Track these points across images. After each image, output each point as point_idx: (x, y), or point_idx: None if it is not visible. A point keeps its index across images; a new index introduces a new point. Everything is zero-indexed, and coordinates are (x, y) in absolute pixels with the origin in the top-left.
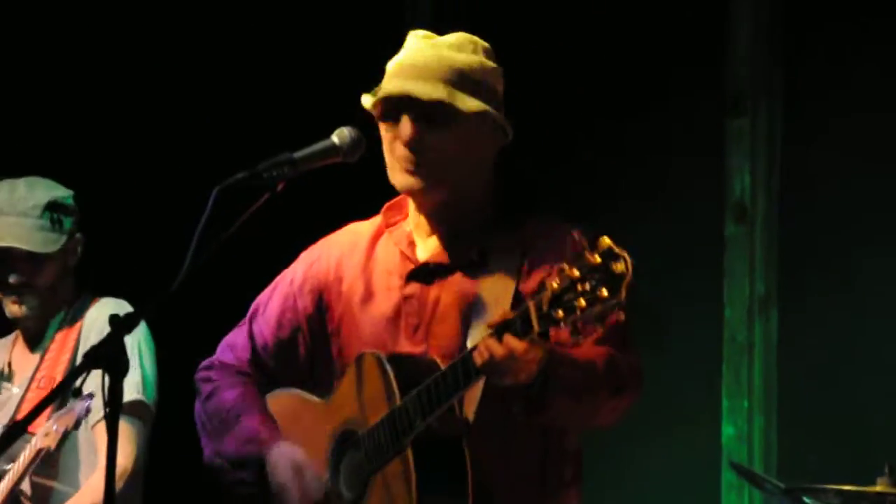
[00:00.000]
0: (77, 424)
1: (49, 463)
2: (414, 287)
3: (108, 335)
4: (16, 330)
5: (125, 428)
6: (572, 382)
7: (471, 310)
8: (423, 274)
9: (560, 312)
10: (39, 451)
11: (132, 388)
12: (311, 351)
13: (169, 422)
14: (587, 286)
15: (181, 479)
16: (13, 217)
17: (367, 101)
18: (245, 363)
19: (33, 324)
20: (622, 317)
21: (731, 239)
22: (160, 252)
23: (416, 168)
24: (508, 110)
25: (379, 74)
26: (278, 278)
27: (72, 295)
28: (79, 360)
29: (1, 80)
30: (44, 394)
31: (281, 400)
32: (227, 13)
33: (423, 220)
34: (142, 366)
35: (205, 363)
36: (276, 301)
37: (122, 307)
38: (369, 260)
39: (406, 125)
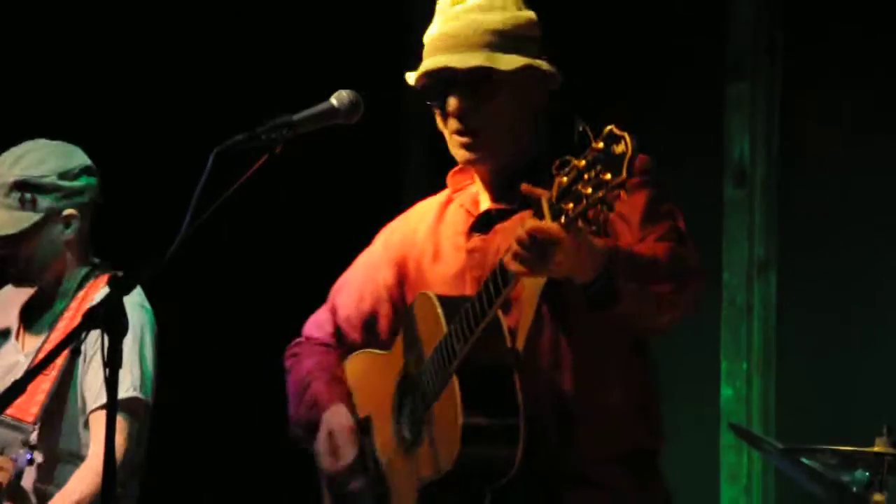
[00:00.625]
0: (16, 476)
1: (44, 473)
2: (476, 240)
3: (107, 296)
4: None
5: (118, 420)
6: (637, 272)
7: None
8: (482, 224)
9: (570, 204)
10: None
11: (129, 384)
12: (393, 322)
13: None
14: (592, 173)
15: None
16: None
17: (410, 78)
18: (329, 336)
19: (30, 286)
20: (672, 222)
21: (730, 202)
22: (158, 217)
23: (472, 141)
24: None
25: (379, 36)
26: (359, 256)
27: (77, 267)
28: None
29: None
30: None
31: (355, 361)
32: None
33: (489, 174)
34: (142, 358)
35: (293, 342)
36: (357, 275)
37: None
38: (439, 223)
39: (452, 100)
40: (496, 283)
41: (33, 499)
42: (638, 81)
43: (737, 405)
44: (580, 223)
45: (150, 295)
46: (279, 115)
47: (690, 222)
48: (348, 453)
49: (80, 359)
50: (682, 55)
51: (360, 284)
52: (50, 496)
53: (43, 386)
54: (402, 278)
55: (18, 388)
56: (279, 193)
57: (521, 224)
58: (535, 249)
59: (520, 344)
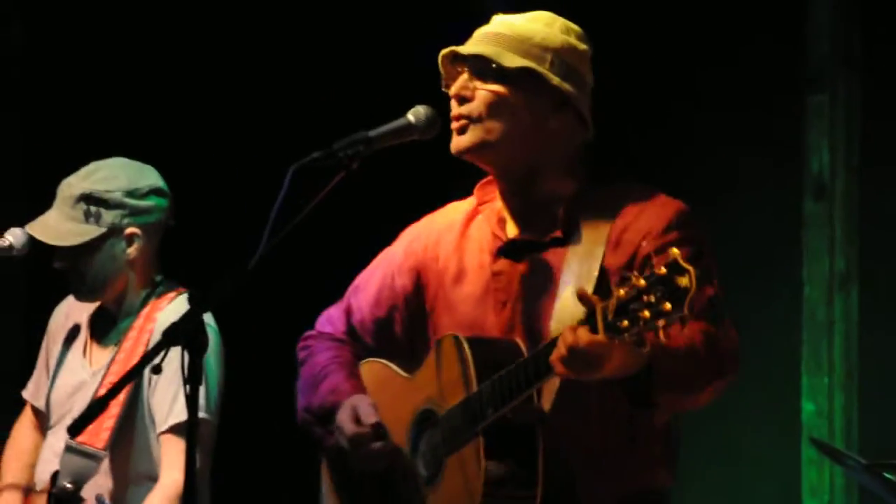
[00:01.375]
0: None
1: (116, 498)
2: (503, 264)
3: (187, 312)
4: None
5: (183, 446)
6: (677, 375)
7: (557, 287)
8: (512, 250)
9: (625, 322)
10: None
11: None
12: (408, 329)
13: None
14: (652, 297)
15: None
16: (57, 204)
17: (443, 81)
18: (342, 333)
19: (92, 301)
20: (712, 290)
21: (810, 216)
22: (236, 236)
23: (463, 126)
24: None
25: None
26: (379, 256)
27: (142, 287)
28: None
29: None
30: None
31: (372, 368)
32: None
33: (507, 196)
34: (208, 378)
35: (304, 335)
36: (375, 278)
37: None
38: (463, 238)
39: (456, 82)
40: (538, 370)
41: None
42: (715, 94)
43: (818, 420)
44: (629, 341)
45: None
46: (355, 131)
47: (770, 236)
48: (371, 417)
49: (146, 380)
50: (760, 67)
51: (377, 289)
52: None
53: (112, 410)
54: (422, 287)
55: (101, 405)
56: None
57: (574, 332)
58: (585, 360)
59: (546, 404)
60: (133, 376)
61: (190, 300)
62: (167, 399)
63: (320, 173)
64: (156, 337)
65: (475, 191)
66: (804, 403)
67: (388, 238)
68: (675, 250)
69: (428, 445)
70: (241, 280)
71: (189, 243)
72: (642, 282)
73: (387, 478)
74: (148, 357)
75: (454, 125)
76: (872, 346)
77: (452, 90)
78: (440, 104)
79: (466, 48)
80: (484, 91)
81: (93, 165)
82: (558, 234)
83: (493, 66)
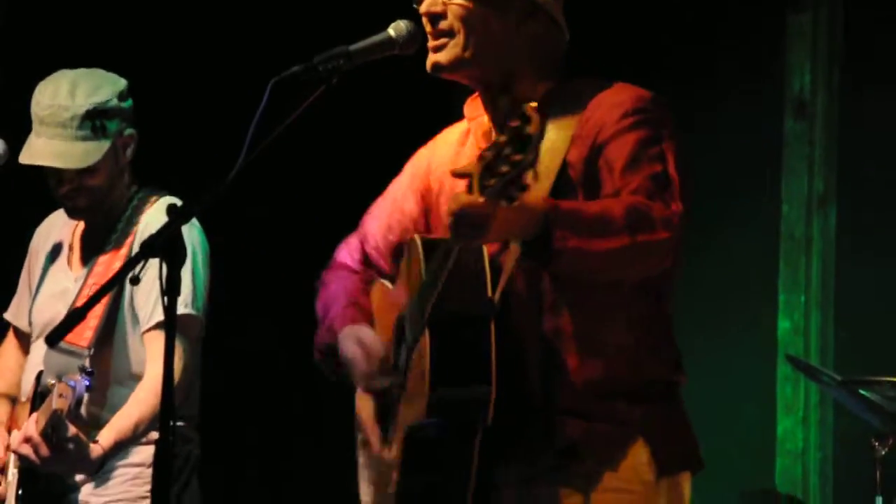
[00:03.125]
0: (76, 403)
1: (97, 397)
2: None
3: (166, 224)
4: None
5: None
6: (581, 229)
7: None
8: None
9: (492, 180)
10: (55, 412)
11: (182, 302)
12: None
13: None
14: (508, 150)
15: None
16: (52, 129)
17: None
18: (358, 263)
19: (90, 218)
20: (657, 167)
21: (790, 135)
22: (215, 147)
23: (437, 43)
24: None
25: None
26: (392, 182)
27: (128, 190)
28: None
29: None
30: (95, 290)
31: (375, 290)
32: None
33: (488, 105)
34: (195, 276)
35: (325, 269)
36: (386, 204)
37: (178, 203)
38: (457, 156)
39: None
40: (446, 249)
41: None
42: (697, 13)
43: (794, 337)
44: (499, 198)
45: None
46: (335, 45)
47: (750, 155)
48: (377, 345)
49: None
50: None
51: (387, 214)
52: (104, 421)
53: (95, 310)
54: (428, 208)
55: (79, 315)
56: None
57: (453, 198)
58: (468, 222)
59: (499, 290)
60: (111, 287)
61: (169, 212)
62: (151, 298)
63: (300, 87)
64: (139, 239)
65: (464, 108)
66: (780, 321)
67: (375, 159)
68: (529, 104)
69: (404, 349)
70: (219, 193)
71: (170, 157)
72: (502, 139)
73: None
74: (126, 268)
75: (431, 44)
76: (849, 265)
77: (423, 8)
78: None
79: None
80: (454, 5)
81: (63, 82)
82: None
83: None
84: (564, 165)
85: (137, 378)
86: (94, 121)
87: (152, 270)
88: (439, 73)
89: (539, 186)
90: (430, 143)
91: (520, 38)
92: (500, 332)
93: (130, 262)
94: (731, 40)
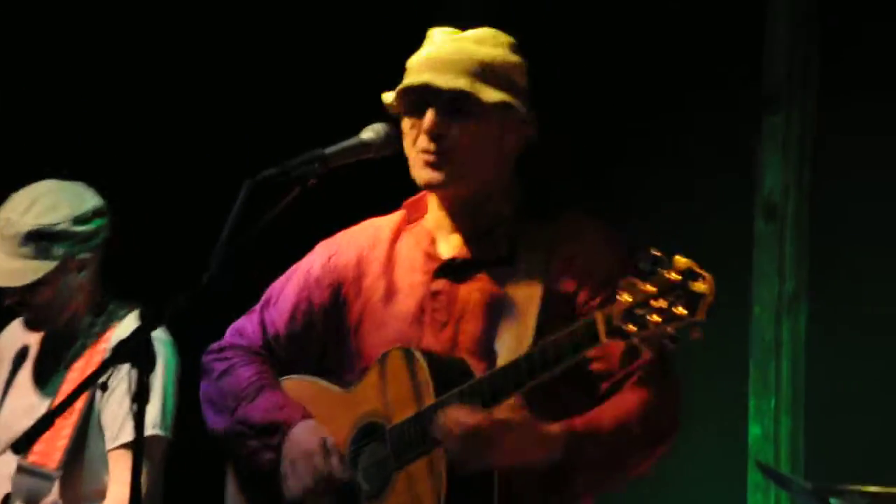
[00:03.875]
0: None
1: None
2: (441, 283)
3: (137, 329)
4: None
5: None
6: (602, 457)
7: (499, 308)
8: (450, 270)
9: (631, 326)
10: None
11: (150, 422)
12: (323, 344)
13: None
14: (663, 303)
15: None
16: (1, 241)
17: (388, 96)
18: (259, 349)
19: (47, 330)
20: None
21: (760, 237)
22: (189, 250)
23: (438, 161)
24: (537, 106)
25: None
26: (293, 268)
27: (87, 307)
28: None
29: (36, 74)
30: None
31: (297, 384)
32: (256, 5)
33: (444, 216)
34: (164, 394)
35: (215, 346)
36: (290, 292)
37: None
38: (390, 258)
39: (429, 116)
40: (494, 393)
41: None
42: (669, 112)
43: (765, 444)
44: (638, 346)
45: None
46: (311, 148)
47: (720, 256)
48: (342, 471)
49: (97, 397)
50: (715, 87)
51: (292, 302)
52: None
53: (64, 431)
54: (343, 304)
55: (44, 425)
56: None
57: (455, 418)
58: (469, 446)
59: None
60: (80, 393)
61: (141, 317)
62: (119, 416)
63: (276, 188)
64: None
65: (405, 207)
66: (751, 426)
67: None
68: (682, 258)
69: (371, 460)
70: (194, 297)
71: (143, 261)
72: (651, 287)
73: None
74: (96, 374)
75: (425, 157)
76: (820, 369)
77: (426, 125)
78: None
79: (443, 82)
80: (460, 129)
81: (30, 194)
82: (501, 253)
83: (471, 100)
84: (546, 296)
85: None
86: (38, 242)
87: (121, 386)
88: (432, 190)
89: (525, 320)
90: (342, 237)
91: (505, 154)
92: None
93: (100, 368)
94: (701, 142)
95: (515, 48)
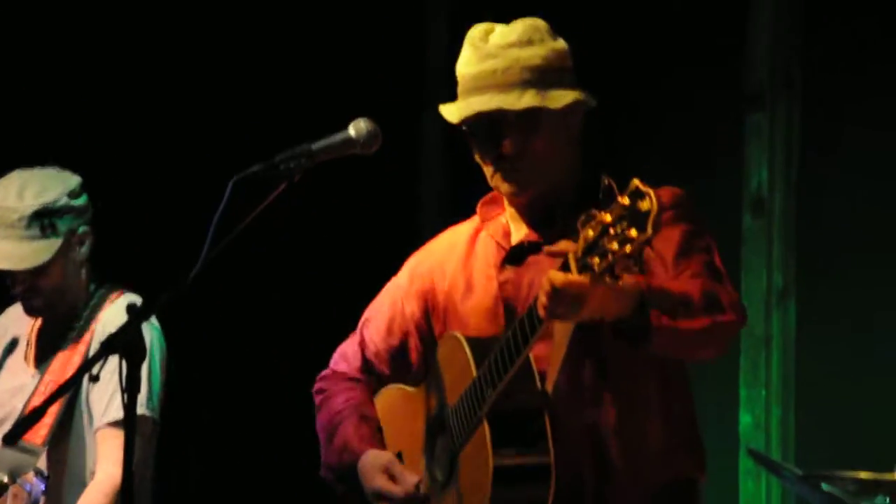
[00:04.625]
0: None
1: (53, 495)
2: (508, 272)
3: (126, 323)
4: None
5: (120, 441)
6: (668, 306)
7: None
8: (516, 256)
9: (595, 259)
10: None
11: (137, 402)
12: (422, 355)
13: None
14: (618, 229)
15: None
16: (1, 230)
17: (451, 115)
18: (357, 371)
19: (48, 316)
20: (707, 257)
21: (748, 232)
22: (176, 245)
23: (516, 174)
24: None
25: (394, 64)
26: (386, 286)
27: (86, 288)
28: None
29: (19, 67)
30: (50, 387)
31: (385, 396)
32: (243, 2)
33: (523, 207)
34: (151, 375)
35: (320, 375)
36: (384, 308)
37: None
38: (469, 256)
39: (507, 143)
40: (524, 329)
41: None
42: (655, 111)
43: (756, 432)
44: (607, 278)
45: (169, 323)
46: (297, 144)
47: None
48: (410, 477)
49: (86, 377)
50: (700, 85)
51: (387, 318)
52: None
53: (51, 408)
54: (431, 311)
55: (38, 414)
56: (296, 219)
57: (548, 277)
58: (564, 301)
59: (549, 384)
60: (70, 385)
61: (129, 311)
62: (105, 396)
63: (262, 184)
64: (98, 337)
65: (478, 209)
66: (742, 415)
67: (380, 266)
68: (634, 180)
69: (441, 450)
70: (181, 291)
71: (130, 255)
72: (607, 217)
73: None
74: (86, 366)
75: (506, 174)
76: (809, 359)
77: (506, 150)
78: (389, 119)
79: (512, 102)
80: (534, 140)
81: (11, 184)
82: (567, 234)
83: (542, 112)
84: None
85: (93, 474)
86: (43, 220)
87: (107, 368)
88: (518, 198)
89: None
90: (428, 246)
91: (573, 141)
92: (553, 425)
93: (90, 361)
94: (688, 138)
95: (552, 31)
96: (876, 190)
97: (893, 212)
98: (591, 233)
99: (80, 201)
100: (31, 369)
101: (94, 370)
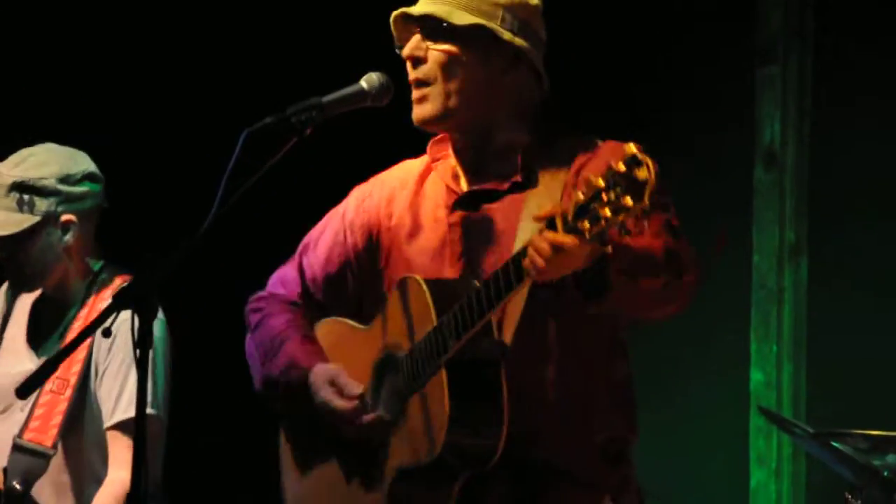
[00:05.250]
0: None
1: (73, 495)
2: (459, 215)
3: (136, 277)
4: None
5: (129, 443)
6: (630, 263)
7: (515, 231)
8: (468, 201)
9: (585, 223)
10: None
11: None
12: (360, 285)
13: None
14: (612, 195)
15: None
16: None
17: (396, 42)
18: (295, 295)
19: (30, 291)
20: (667, 214)
21: (760, 186)
22: (185, 205)
23: (423, 94)
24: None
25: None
26: (329, 213)
27: (79, 273)
28: (95, 349)
29: (21, 39)
30: (57, 385)
31: (327, 327)
32: None
33: (462, 150)
34: (156, 373)
35: (255, 296)
36: (326, 236)
37: None
38: (417, 195)
39: (408, 44)
40: (503, 284)
41: None
42: (667, 64)
43: (767, 389)
44: (597, 241)
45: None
46: (309, 96)
47: (721, 205)
48: (355, 388)
49: (93, 373)
50: (712, 38)
51: (328, 245)
52: None
53: (59, 408)
54: (374, 244)
55: (47, 370)
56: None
57: (540, 234)
58: (560, 263)
59: (507, 336)
60: (82, 340)
61: (139, 265)
62: (113, 393)
63: (273, 138)
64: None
65: (428, 148)
66: (752, 372)
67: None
68: (631, 145)
69: (390, 390)
70: (193, 246)
71: (139, 217)
72: (601, 181)
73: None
74: (98, 321)
75: (414, 94)
76: (821, 315)
77: (405, 52)
78: (398, 69)
79: (416, 8)
80: (436, 51)
81: (24, 152)
82: (517, 178)
83: (444, 25)
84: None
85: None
86: (22, 194)
87: (114, 363)
88: (426, 126)
89: None
90: (378, 179)
91: (502, 86)
92: (508, 376)
93: (102, 315)
94: (700, 92)
95: None
96: (889, 143)
97: None
98: (581, 196)
99: (75, 188)
100: (35, 357)
101: (108, 323)
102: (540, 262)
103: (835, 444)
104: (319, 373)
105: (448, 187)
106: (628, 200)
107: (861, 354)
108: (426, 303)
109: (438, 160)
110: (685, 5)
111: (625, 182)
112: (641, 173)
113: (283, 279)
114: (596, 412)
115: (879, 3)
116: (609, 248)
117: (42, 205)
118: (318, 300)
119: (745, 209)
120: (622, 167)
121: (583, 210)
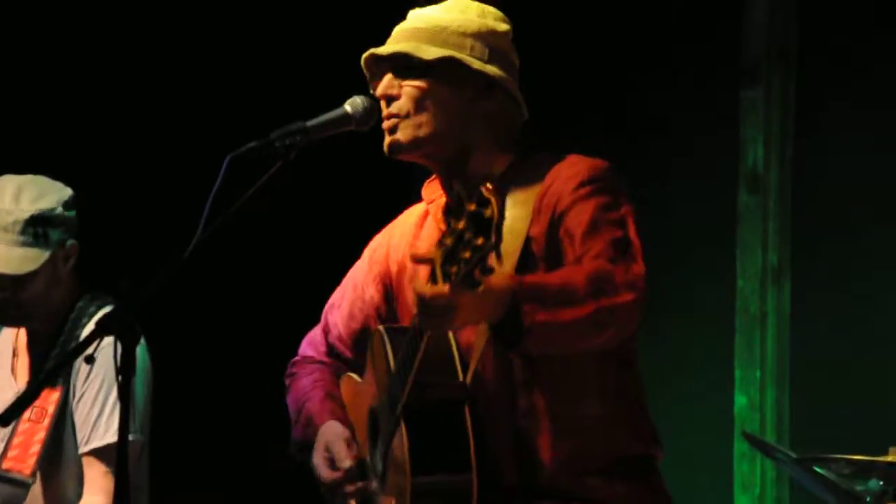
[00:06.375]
0: None
1: None
2: None
3: (118, 304)
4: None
5: (104, 469)
6: (540, 298)
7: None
8: None
9: (454, 268)
10: None
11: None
12: None
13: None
14: (468, 236)
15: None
16: None
17: (369, 82)
18: (323, 355)
19: (25, 327)
20: (618, 232)
21: (744, 209)
22: (167, 230)
23: (394, 126)
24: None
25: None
26: (350, 270)
27: (68, 301)
28: (76, 374)
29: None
30: (35, 414)
31: (344, 383)
32: None
33: (445, 183)
34: (135, 397)
35: (290, 362)
36: (347, 293)
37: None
38: (416, 238)
39: (381, 83)
40: (414, 336)
41: None
42: (651, 87)
43: (750, 413)
44: (464, 285)
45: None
46: (292, 121)
47: (704, 229)
48: (345, 460)
49: (71, 397)
50: (695, 60)
51: (349, 302)
52: None
53: (37, 437)
54: (389, 294)
55: (29, 397)
56: (283, 203)
57: (416, 287)
58: (435, 312)
59: (470, 372)
60: (62, 367)
61: (121, 290)
62: (90, 420)
63: (257, 163)
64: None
65: (423, 190)
66: (736, 396)
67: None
68: (486, 185)
69: (381, 441)
70: (175, 270)
71: (124, 243)
72: (461, 224)
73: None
74: (79, 348)
75: (385, 125)
76: (804, 339)
77: (378, 91)
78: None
79: (384, 48)
80: (408, 87)
81: (10, 186)
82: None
83: (414, 60)
84: (527, 241)
85: None
86: (37, 228)
87: (91, 389)
88: (397, 154)
89: (504, 266)
90: (388, 228)
91: (476, 114)
92: (474, 416)
93: (84, 342)
94: (684, 115)
95: (488, 14)
96: (872, 166)
97: (890, 189)
98: (449, 241)
99: (73, 212)
100: (18, 384)
101: (90, 350)
102: (416, 314)
103: (818, 469)
104: (324, 433)
105: (439, 227)
106: (479, 240)
107: (844, 378)
108: (386, 352)
109: (433, 201)
110: (668, 28)
111: (475, 222)
112: (487, 211)
113: (312, 341)
114: (591, 434)
115: (862, 26)
116: (511, 288)
117: (54, 235)
118: (346, 358)
119: (728, 233)
120: (473, 206)
121: (450, 255)
